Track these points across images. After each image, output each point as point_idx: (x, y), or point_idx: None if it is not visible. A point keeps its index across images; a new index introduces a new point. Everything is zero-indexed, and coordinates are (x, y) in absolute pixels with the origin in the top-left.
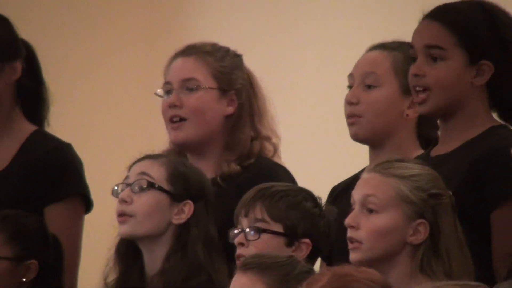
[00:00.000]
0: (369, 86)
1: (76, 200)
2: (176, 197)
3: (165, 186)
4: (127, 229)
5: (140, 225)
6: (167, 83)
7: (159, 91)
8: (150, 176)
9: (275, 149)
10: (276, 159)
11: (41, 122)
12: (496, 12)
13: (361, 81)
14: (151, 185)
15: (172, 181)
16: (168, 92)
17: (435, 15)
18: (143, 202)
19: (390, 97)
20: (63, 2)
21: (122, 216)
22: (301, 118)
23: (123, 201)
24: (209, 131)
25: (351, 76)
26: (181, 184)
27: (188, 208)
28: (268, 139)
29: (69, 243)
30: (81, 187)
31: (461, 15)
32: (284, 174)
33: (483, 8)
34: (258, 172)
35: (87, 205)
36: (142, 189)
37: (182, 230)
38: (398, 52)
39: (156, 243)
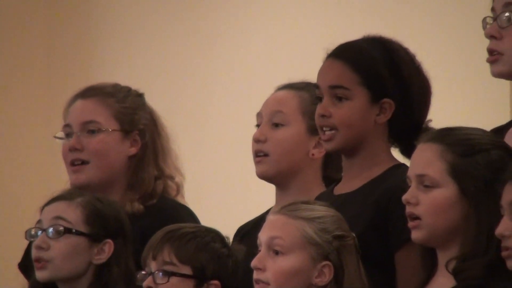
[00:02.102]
0: (277, 125)
1: None
2: (95, 238)
3: (82, 228)
4: (45, 274)
5: (59, 270)
6: (67, 125)
7: (59, 133)
8: (66, 220)
9: (179, 188)
10: (179, 199)
11: None
12: (397, 50)
13: (269, 120)
14: (68, 230)
15: (90, 222)
16: (68, 135)
17: (338, 55)
18: (61, 247)
19: (296, 136)
20: None
21: (40, 262)
22: (207, 156)
23: (39, 247)
24: (112, 173)
25: (259, 114)
26: (99, 224)
27: (108, 247)
28: (172, 178)
29: None
30: None
31: (363, 53)
32: (187, 215)
33: (383, 46)
34: (161, 215)
35: None
36: (58, 234)
37: (103, 269)
38: (305, 92)
39: (76, 283)
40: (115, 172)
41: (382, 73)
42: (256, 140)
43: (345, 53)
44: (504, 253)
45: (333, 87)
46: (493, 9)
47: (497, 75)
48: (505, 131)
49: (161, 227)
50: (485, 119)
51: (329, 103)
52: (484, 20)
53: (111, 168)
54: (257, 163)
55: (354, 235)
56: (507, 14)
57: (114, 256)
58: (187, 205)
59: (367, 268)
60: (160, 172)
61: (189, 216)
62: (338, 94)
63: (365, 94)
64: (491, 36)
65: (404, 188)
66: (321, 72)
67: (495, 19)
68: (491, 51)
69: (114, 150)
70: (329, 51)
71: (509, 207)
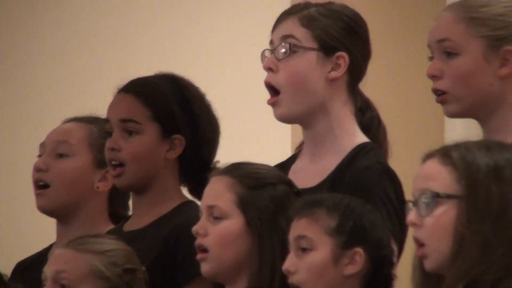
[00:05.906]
0: (61, 155)
1: None
2: None
3: None
4: None
5: None
6: None
7: None
8: None
9: None
10: None
11: None
12: (187, 87)
13: (53, 149)
14: None
15: None
16: None
17: (129, 89)
18: None
19: (81, 167)
20: None
21: None
22: None
23: None
24: None
25: (42, 145)
26: None
27: None
28: None
29: None
30: None
31: (154, 88)
32: None
33: (175, 82)
34: None
35: None
36: None
37: None
38: (94, 126)
39: None
40: None
41: (173, 108)
42: (37, 169)
43: (136, 88)
44: None
45: (123, 121)
46: (271, 42)
47: (280, 118)
48: (286, 167)
49: None
50: (269, 158)
51: (119, 137)
52: (262, 53)
53: None
54: (37, 195)
55: (144, 268)
56: (283, 46)
57: None
58: None
59: None
60: None
61: None
62: (129, 128)
63: (156, 129)
64: (268, 69)
65: (193, 224)
66: (112, 106)
67: (272, 51)
68: (266, 84)
69: None
70: (120, 86)
71: (295, 243)
